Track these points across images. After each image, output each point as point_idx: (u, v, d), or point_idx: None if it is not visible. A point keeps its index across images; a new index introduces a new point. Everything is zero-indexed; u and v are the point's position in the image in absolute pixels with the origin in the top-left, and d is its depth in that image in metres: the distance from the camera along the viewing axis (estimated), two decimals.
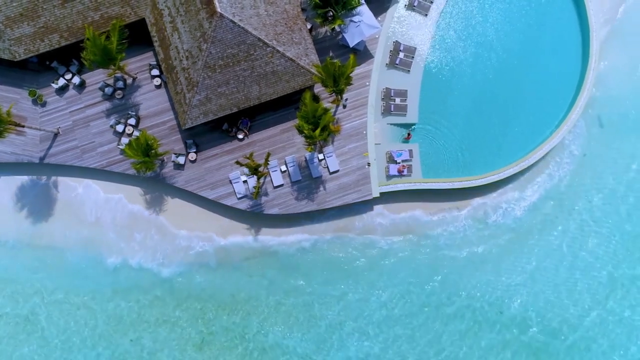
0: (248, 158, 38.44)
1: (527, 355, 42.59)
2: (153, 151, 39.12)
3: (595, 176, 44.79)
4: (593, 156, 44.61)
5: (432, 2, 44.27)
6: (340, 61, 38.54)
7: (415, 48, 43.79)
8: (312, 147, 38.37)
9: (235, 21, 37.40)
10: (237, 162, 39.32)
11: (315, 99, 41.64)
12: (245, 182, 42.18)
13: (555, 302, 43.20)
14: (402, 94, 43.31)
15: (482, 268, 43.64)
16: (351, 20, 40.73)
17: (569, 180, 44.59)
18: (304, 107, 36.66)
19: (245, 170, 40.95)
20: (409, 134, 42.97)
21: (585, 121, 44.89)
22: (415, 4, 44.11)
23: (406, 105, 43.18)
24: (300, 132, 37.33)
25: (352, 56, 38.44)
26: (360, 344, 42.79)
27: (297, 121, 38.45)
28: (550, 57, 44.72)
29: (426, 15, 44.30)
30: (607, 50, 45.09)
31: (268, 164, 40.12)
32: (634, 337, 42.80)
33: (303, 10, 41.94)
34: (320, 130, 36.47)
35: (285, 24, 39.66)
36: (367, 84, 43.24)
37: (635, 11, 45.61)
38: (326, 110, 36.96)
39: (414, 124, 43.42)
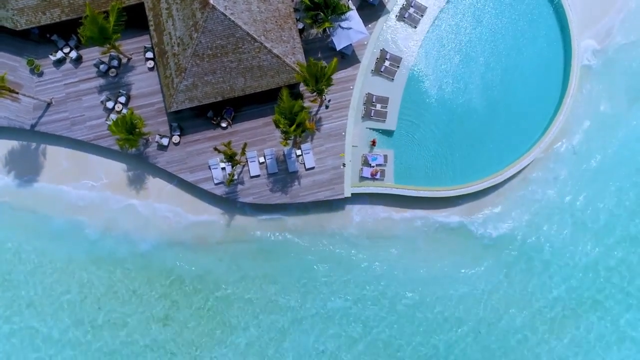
0: (225, 146, 40.07)
1: None
2: (137, 130, 40.89)
3: (563, 203, 45.86)
4: (563, 181, 45.79)
5: (422, 16, 45.71)
6: (323, 62, 40.10)
7: (401, 58, 45.26)
8: (287, 142, 39.94)
9: (227, 14, 39.09)
10: (215, 149, 40.95)
11: (299, 97, 43.31)
12: (223, 169, 43.83)
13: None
14: (384, 100, 44.81)
15: (442, 280, 45.14)
16: (339, 25, 42.27)
17: (536, 204, 45.82)
18: (282, 103, 38.29)
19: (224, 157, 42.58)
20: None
21: (560, 145, 46.15)
22: (406, 15, 45.59)
23: (386, 112, 44.68)
24: (277, 126, 38.93)
25: (334, 59, 40.08)
26: (318, 336, 44.33)
27: None
28: (532, 79, 46.10)
29: (415, 27, 45.77)
30: (588, 77, 46.54)
31: (245, 154, 41.77)
32: None
33: (296, 10, 43.53)
34: (295, 126, 38.06)
35: (276, 22, 41.28)
36: (351, 87, 44.78)
37: (620, 52, 47.06)
38: (303, 108, 38.56)
39: (392, 131, 44.92)
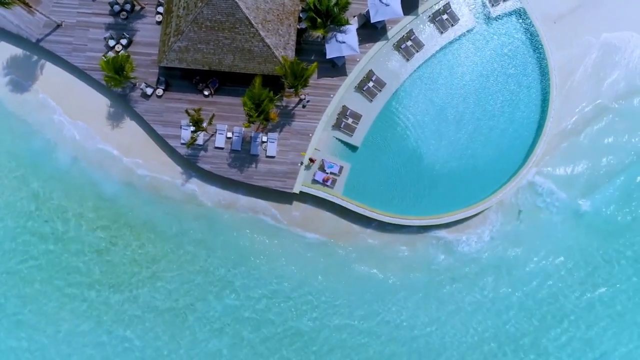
0: (195, 111, 42.88)
1: None
2: (124, 73, 43.96)
3: (485, 267, 47.91)
4: (498, 242, 47.77)
5: (417, 51, 47.86)
6: (305, 64, 42.75)
7: (386, 83, 47.51)
8: (250, 125, 42.61)
9: None
10: (186, 111, 43.78)
11: (280, 89, 45.86)
12: (193, 132, 46.61)
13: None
14: (357, 117, 47.16)
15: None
16: (335, 35, 44.70)
17: (464, 256, 47.99)
18: (253, 88, 40.97)
19: None
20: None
21: (507, 205, 48.03)
22: (403, 46, 47.80)
23: (356, 127, 47.04)
24: (244, 108, 41.61)
25: (315, 64, 42.95)
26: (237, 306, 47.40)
27: None
28: (502, 140, 48.07)
29: (408, 60, 47.92)
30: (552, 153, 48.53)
31: (212, 123, 44.53)
32: None
33: (304, 10, 46.00)
34: (258, 113, 40.71)
35: (277, 15, 43.93)
36: (332, 95, 47.22)
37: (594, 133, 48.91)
38: (270, 98, 41.17)
39: (355, 147, 47.27)
